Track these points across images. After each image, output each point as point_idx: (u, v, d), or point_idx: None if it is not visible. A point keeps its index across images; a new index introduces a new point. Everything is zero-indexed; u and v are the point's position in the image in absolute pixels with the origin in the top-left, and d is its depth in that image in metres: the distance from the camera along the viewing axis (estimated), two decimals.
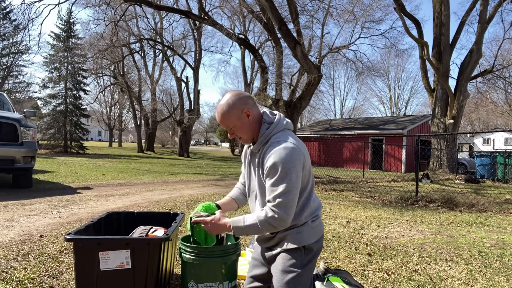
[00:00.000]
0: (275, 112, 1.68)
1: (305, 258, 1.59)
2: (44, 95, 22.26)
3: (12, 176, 6.63)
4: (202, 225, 1.67)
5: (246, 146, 1.78)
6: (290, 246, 1.58)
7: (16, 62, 25.43)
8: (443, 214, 5.70)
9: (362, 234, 4.07)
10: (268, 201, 1.50)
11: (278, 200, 1.46)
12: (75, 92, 21.94)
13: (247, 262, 2.59)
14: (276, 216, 1.47)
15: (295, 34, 12.74)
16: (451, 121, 14.45)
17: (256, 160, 1.63)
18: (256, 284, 1.77)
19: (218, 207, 1.80)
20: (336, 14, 17.30)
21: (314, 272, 2.10)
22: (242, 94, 1.61)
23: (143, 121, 28.97)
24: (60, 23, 21.80)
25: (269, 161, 1.48)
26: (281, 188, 1.45)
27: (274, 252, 1.65)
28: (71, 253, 2.83)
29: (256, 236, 1.76)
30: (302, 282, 1.56)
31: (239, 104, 1.57)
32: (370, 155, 20.41)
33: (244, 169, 1.83)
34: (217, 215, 1.65)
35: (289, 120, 1.67)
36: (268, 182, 1.50)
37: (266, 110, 1.70)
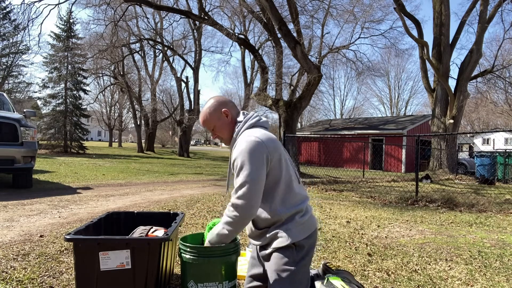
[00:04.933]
0: (251, 112, 1.78)
1: (297, 255, 1.60)
2: (44, 95, 22.26)
3: (12, 176, 6.63)
4: None
5: None
6: (280, 244, 1.60)
7: (16, 62, 25.41)
8: (443, 214, 5.70)
9: (362, 234, 4.07)
10: (234, 193, 1.59)
11: (238, 191, 1.54)
12: (75, 92, 21.91)
13: (247, 262, 2.59)
14: (238, 205, 1.54)
15: (295, 34, 12.72)
16: (451, 121, 14.43)
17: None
18: (256, 283, 1.78)
19: None
20: (336, 14, 17.27)
21: (315, 272, 2.10)
22: (222, 97, 1.80)
23: (143, 121, 28.95)
24: (60, 23, 21.78)
25: (233, 157, 1.60)
26: (240, 179, 1.53)
27: (267, 251, 1.67)
28: (71, 253, 2.83)
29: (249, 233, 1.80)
30: (298, 280, 1.58)
31: (218, 105, 1.73)
32: (370, 155, 20.40)
33: None
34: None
35: (262, 118, 1.75)
36: (234, 176, 1.60)
37: (241, 111, 1.79)
